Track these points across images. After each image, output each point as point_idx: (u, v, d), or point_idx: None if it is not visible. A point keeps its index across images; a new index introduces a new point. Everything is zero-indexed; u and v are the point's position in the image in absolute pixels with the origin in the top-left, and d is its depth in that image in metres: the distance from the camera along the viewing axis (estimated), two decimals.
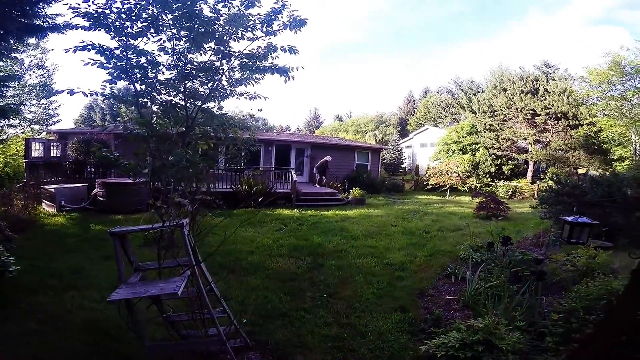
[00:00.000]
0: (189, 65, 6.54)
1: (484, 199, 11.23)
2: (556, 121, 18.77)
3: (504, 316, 3.23)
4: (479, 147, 21.70)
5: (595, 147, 17.62)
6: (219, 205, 9.87)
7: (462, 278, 5.22)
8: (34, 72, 17.13)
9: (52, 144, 13.52)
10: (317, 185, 14.98)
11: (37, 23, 7.46)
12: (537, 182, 19.37)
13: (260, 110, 7.03)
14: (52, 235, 7.35)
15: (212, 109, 7.56)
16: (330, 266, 5.71)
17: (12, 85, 14.65)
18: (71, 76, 47.14)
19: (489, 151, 21.31)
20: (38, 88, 16.49)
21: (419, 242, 7.36)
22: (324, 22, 75.39)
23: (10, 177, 13.56)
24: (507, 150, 21.05)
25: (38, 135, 17.44)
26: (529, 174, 21.18)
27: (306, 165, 17.36)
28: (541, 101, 18.88)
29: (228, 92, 7.30)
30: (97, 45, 5.67)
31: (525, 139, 19.79)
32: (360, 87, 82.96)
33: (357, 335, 3.74)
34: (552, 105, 18.42)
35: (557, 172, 18.90)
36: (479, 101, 23.27)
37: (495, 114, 21.44)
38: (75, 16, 5.22)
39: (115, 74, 6.11)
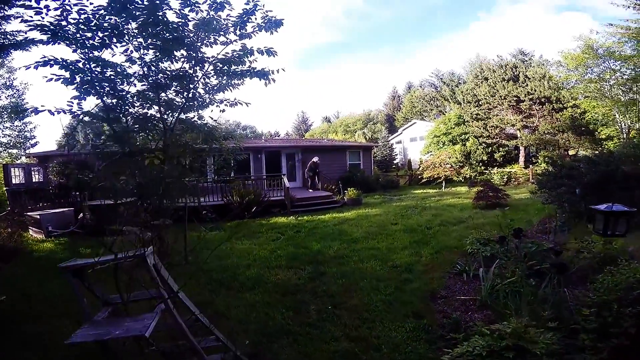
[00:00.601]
0: (160, 75, 6.10)
1: (482, 188, 11.05)
2: (541, 106, 18.82)
3: (529, 315, 2.95)
4: (468, 137, 21.67)
5: (583, 129, 17.67)
6: (212, 219, 9.53)
7: (474, 275, 4.95)
8: (2, 92, 16.44)
9: (32, 168, 12.96)
10: (310, 189, 14.66)
11: None
12: (531, 166, 19.37)
13: (239, 118, 6.77)
14: (41, 261, 6.96)
15: (193, 119, 7.14)
16: (333, 274, 5.40)
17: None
18: (46, 95, 45.98)
19: (478, 140, 21.28)
20: (9, 109, 15.81)
21: (423, 240, 7.10)
22: (300, 25, 75.47)
23: None
24: (497, 138, 21.06)
25: (17, 160, 16.75)
26: (521, 159, 21.21)
27: (298, 170, 17.04)
28: (523, 87, 18.95)
29: (207, 101, 6.86)
30: (60, 60, 5.16)
31: (513, 125, 19.83)
32: (345, 86, 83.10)
33: (370, 348, 3.43)
34: (535, 90, 18.49)
35: (550, 155, 18.94)
36: (462, 92, 23.30)
37: (480, 103, 21.46)
38: (30, 29, 4.77)
39: (82, 89, 5.63)
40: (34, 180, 12.53)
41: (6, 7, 6.78)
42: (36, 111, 4.95)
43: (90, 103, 5.70)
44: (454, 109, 24.25)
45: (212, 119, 6.91)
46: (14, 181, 12.03)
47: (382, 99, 72.48)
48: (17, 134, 17.38)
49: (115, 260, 2.27)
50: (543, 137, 18.47)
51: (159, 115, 6.28)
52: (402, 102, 48.58)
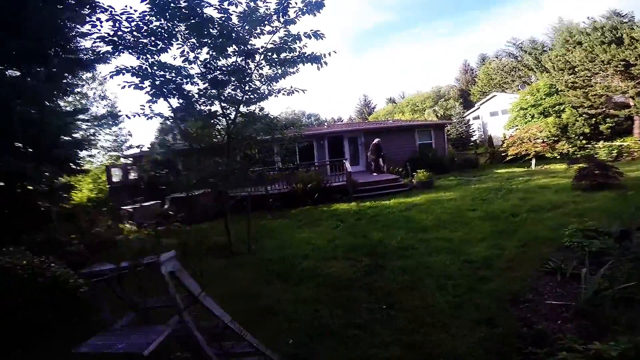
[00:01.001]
0: (218, 72, 6.08)
1: (585, 165, 9.07)
2: None
3: None
4: (564, 108, 18.36)
5: None
6: (277, 207, 9.49)
7: (572, 275, 3.87)
8: (100, 103, 18.83)
9: (128, 168, 14.72)
10: (375, 173, 13.86)
11: (81, 57, 7.86)
12: None
13: (304, 92, 6.34)
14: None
15: (254, 112, 7.04)
16: (393, 268, 4.73)
17: (82, 118, 16.24)
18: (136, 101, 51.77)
19: (578, 110, 17.88)
20: (106, 117, 18.07)
21: (507, 229, 5.94)
22: (348, 10, 72.30)
23: (99, 201, 15.04)
24: (602, 107, 17.43)
25: (116, 161, 19.15)
26: (636, 130, 17.32)
27: (361, 154, 16.30)
28: (632, 50, 15.13)
29: (266, 92, 6.70)
30: (130, 68, 5.59)
31: (625, 92, 16.10)
32: (406, 66, 77.74)
33: (425, 359, 2.78)
34: None
35: None
36: (550, 59, 19.66)
37: (575, 70, 17.88)
38: (94, 42, 5.26)
39: (152, 93, 5.98)
40: (130, 177, 14.16)
41: (79, 25, 7.45)
42: (113, 116, 5.43)
43: (164, 106, 6.06)
44: (543, 78, 20.74)
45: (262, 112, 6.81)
46: (114, 179, 13.82)
47: (452, 75, 66.65)
48: (114, 138, 19.86)
49: (121, 270, 1.97)
50: None
51: (221, 111, 6.34)
52: (476, 76, 43.86)
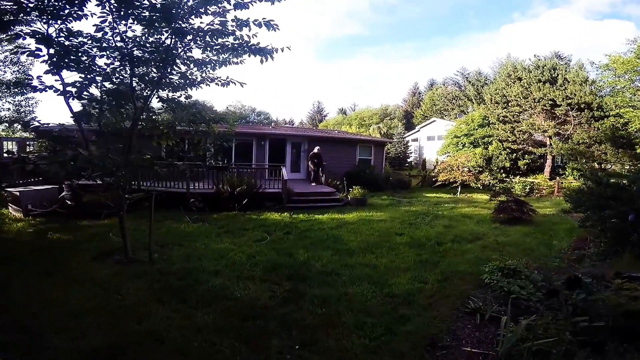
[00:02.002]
0: (132, 46, 5.18)
1: (504, 199, 9.71)
2: (579, 112, 17.04)
3: None
4: (492, 140, 20.08)
5: (624, 141, 15.87)
6: (199, 209, 8.53)
7: (491, 318, 3.80)
8: (9, 68, 15.98)
9: (27, 142, 12.32)
10: (313, 183, 13.55)
11: None
12: (557, 177, 17.74)
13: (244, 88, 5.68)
14: (0, 244, 6.15)
15: (179, 99, 6.20)
16: (313, 298, 4.30)
17: None
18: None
19: (503, 144, 19.66)
20: (19, 85, 15.44)
21: (430, 259, 5.90)
22: (325, 14, 73.71)
23: None
24: (524, 144, 19.38)
25: (13, 134, 16.29)
26: (547, 169, 19.53)
27: (303, 161, 15.92)
28: (562, 91, 17.11)
29: (198, 79, 5.94)
30: (30, 32, 4.38)
31: (545, 131, 18.09)
32: (364, 80, 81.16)
33: None
34: (574, 95, 16.67)
35: (580, 167, 17.26)
36: (490, 92, 21.51)
37: (509, 104, 19.72)
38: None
39: (50, 62, 4.84)
40: (24, 155, 11.89)
41: None
42: (17, 84, 4.34)
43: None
44: (479, 109, 22.56)
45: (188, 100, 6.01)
46: (5, 155, 11.46)
47: (401, 95, 70.82)
48: (15, 108, 16.94)
49: None
50: (577, 148, 16.75)
51: (130, 92, 5.39)
52: (422, 99, 46.79)
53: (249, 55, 5.39)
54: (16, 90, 15.81)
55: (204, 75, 5.77)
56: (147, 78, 5.54)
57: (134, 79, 5.43)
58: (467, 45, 70.63)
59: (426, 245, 6.78)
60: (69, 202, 8.95)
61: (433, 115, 37.38)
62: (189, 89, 5.96)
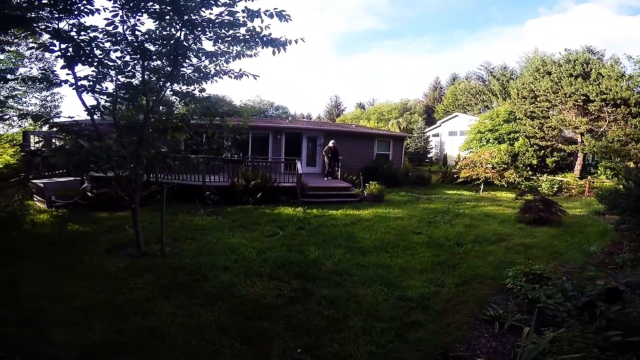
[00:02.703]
0: (144, 38, 5.12)
1: (530, 198, 9.16)
2: (614, 108, 15.90)
3: None
4: (518, 136, 19.17)
5: None
6: (215, 202, 8.49)
7: (510, 327, 3.49)
8: (35, 64, 16.52)
9: (53, 136, 12.70)
10: (327, 178, 13.31)
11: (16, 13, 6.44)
12: (589, 177, 16.73)
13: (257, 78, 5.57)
14: (21, 236, 6.25)
15: (193, 92, 6.14)
16: (321, 298, 4.10)
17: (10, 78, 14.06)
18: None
19: (530, 141, 18.73)
20: (37, 81, 16.00)
21: (449, 261, 5.56)
22: (341, 9, 72.85)
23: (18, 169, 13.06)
24: (552, 141, 18.37)
25: (39, 128, 16.92)
26: (577, 167, 18.47)
27: (319, 155, 15.69)
28: (595, 86, 16.00)
29: (212, 72, 5.87)
30: (46, 27, 4.34)
31: (576, 128, 17.03)
32: (383, 74, 79.66)
33: None
34: (610, 90, 15.54)
35: (614, 166, 16.23)
36: (517, 86, 20.47)
37: (537, 99, 18.69)
38: None
39: (66, 57, 4.85)
40: (48, 148, 12.26)
41: None
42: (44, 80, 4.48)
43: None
44: (505, 104, 21.57)
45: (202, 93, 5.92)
46: (31, 147, 11.84)
47: (421, 90, 69.35)
48: (42, 103, 17.58)
49: None
50: (611, 145, 15.69)
51: (142, 86, 5.34)
52: (443, 94, 45.46)
53: (262, 47, 5.31)
54: (42, 85, 16.34)
55: (217, 68, 5.72)
56: (159, 71, 5.48)
57: (146, 72, 5.38)
58: (490, 39, 68.29)
59: (445, 245, 6.43)
60: (90, 194, 9.12)
61: (455, 110, 36.22)
62: (202, 82, 5.92)
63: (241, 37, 5.17)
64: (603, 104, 15.85)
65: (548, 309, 3.58)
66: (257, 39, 5.14)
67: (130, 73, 5.39)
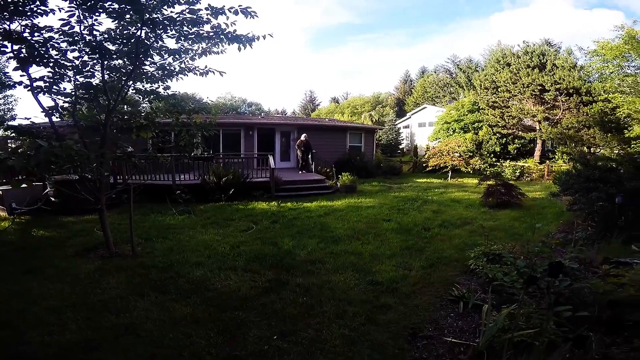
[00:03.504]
0: (103, 38, 4.96)
1: (492, 183, 9.67)
2: (567, 97, 16.98)
3: None
4: (482, 126, 20.03)
5: (612, 125, 15.88)
6: (186, 200, 8.37)
7: (474, 306, 3.73)
8: None
9: (8, 141, 11.95)
10: (302, 171, 13.39)
11: None
12: (547, 162, 17.79)
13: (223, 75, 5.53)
14: None
15: (157, 90, 6.03)
16: (295, 286, 4.21)
17: None
18: None
19: (492, 129, 19.64)
20: None
21: (416, 245, 5.83)
22: (315, 3, 72.55)
23: None
24: (513, 129, 19.35)
25: None
26: (537, 153, 19.58)
27: (292, 150, 15.73)
28: (550, 76, 17.00)
29: (176, 69, 5.76)
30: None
31: (534, 116, 18.04)
32: (356, 68, 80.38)
33: None
34: (563, 80, 16.58)
35: (569, 151, 17.31)
36: (479, 78, 21.35)
37: (498, 90, 19.61)
38: None
39: (19, 58, 4.57)
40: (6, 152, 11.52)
41: None
42: None
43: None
44: (469, 95, 22.45)
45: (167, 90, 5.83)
46: None
47: (393, 83, 70.58)
48: None
49: None
50: (566, 132, 16.75)
51: (102, 85, 5.18)
52: (413, 87, 46.58)
53: (228, 44, 5.26)
54: None
55: (182, 65, 5.63)
56: (120, 70, 5.33)
57: (106, 71, 5.23)
58: (459, 32, 70.40)
59: (413, 231, 6.72)
60: (53, 199, 8.71)
61: (424, 102, 37.21)
62: (167, 79, 5.82)
63: (205, 35, 5.12)
64: (557, 93, 16.87)
65: (506, 287, 3.83)
66: (222, 36, 5.11)
67: (89, 73, 5.23)
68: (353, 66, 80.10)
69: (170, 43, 5.44)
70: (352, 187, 11.19)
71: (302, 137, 13.25)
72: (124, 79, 5.31)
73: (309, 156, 13.48)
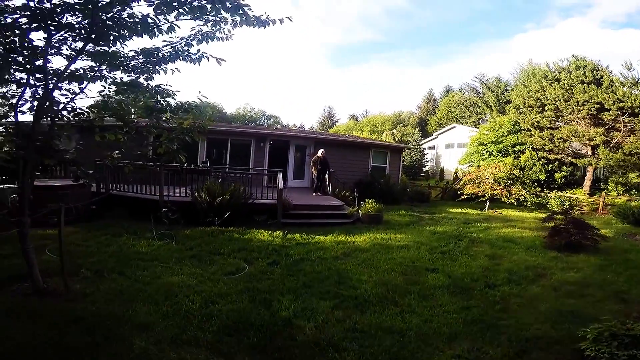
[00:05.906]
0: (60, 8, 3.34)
1: (563, 222, 7.50)
2: (632, 117, 14.58)
3: None
4: (524, 149, 17.70)
5: None
6: (173, 220, 6.57)
7: None
8: None
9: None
10: (317, 193, 11.51)
11: None
12: (603, 193, 15.25)
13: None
14: None
15: (138, 80, 4.69)
16: None
17: None
18: None
19: (537, 154, 17.27)
20: None
21: (486, 316, 3.75)
22: (336, 20, 73.10)
23: None
24: (561, 154, 16.92)
25: None
26: (587, 182, 17.02)
27: (307, 167, 13.91)
28: (611, 93, 14.64)
29: (160, 55, 4.22)
30: None
31: (591, 139, 15.58)
32: (377, 86, 79.63)
33: None
34: (628, 98, 14.19)
35: (625, 182, 14.85)
36: (522, 95, 19.09)
37: (545, 109, 17.32)
38: None
39: None
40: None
41: None
42: None
43: None
44: (509, 114, 20.17)
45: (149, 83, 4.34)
46: None
47: (415, 102, 69.19)
48: None
49: None
50: (629, 158, 14.28)
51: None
52: (437, 106, 44.69)
53: (232, 22, 3.82)
54: None
55: (169, 50, 4.23)
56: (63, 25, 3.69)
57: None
58: (481, 52, 68.89)
59: (473, 289, 4.63)
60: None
61: (449, 122, 35.16)
62: (149, 66, 4.36)
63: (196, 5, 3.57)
64: (619, 112, 14.51)
65: None
66: (217, 5, 3.54)
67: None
68: (373, 84, 79.36)
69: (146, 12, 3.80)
70: (378, 217, 9.15)
71: (319, 153, 11.44)
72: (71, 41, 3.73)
73: (326, 175, 11.61)
